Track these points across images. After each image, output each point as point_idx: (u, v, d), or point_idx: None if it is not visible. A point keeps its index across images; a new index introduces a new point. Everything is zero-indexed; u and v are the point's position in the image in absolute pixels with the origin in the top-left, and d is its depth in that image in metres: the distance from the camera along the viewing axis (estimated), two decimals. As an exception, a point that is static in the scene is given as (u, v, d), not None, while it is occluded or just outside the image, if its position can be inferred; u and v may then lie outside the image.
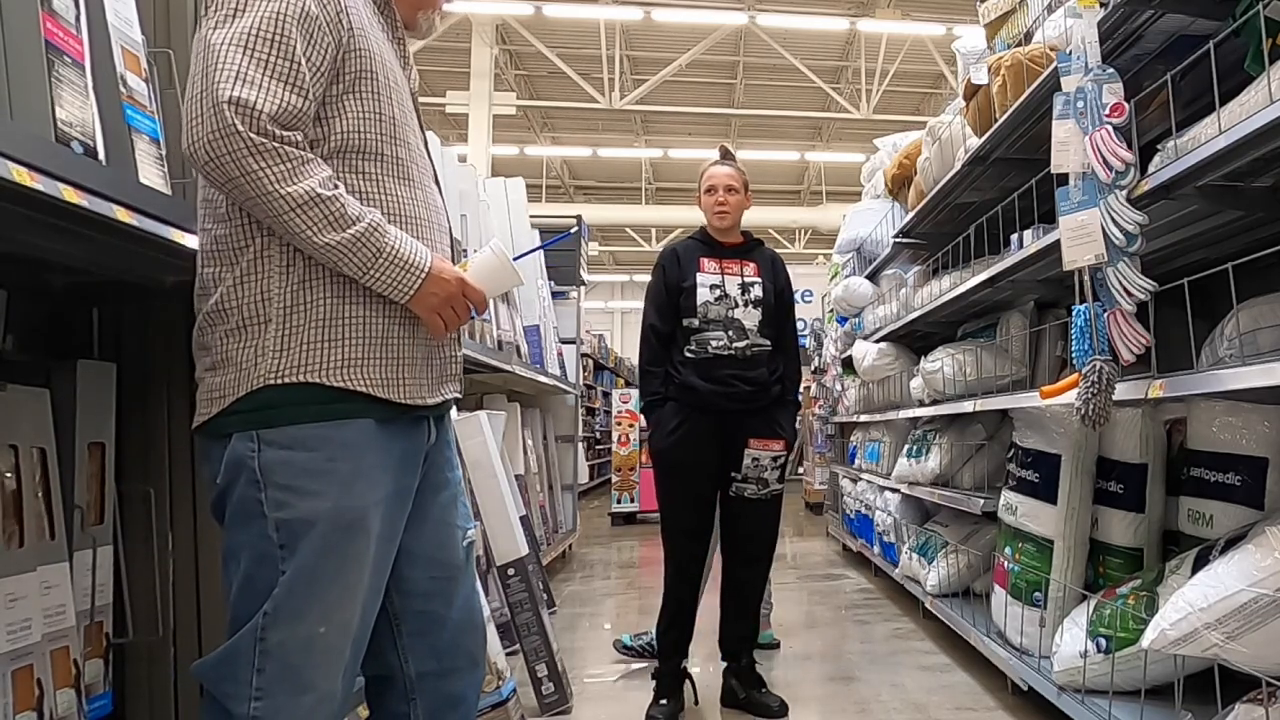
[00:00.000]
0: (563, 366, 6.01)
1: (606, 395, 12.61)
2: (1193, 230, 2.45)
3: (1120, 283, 2.03)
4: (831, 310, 6.55)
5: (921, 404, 4.01)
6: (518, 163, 14.53)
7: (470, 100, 12.04)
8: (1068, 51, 2.22)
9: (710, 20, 11.81)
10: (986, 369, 3.38)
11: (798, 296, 3.57)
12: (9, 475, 1.51)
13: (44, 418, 1.62)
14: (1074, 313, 2.17)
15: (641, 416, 7.87)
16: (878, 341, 4.98)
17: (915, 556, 4.06)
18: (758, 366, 2.80)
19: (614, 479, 8.68)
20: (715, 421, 2.76)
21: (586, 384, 10.54)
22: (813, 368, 7.46)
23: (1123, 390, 2.08)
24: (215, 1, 1.26)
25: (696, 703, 2.90)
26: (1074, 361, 2.17)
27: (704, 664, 3.18)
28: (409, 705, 1.48)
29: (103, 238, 1.36)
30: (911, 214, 4.28)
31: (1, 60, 1.21)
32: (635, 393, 8.92)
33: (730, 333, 2.78)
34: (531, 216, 5.57)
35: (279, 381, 1.28)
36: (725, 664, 2.95)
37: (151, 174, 1.48)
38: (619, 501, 8.59)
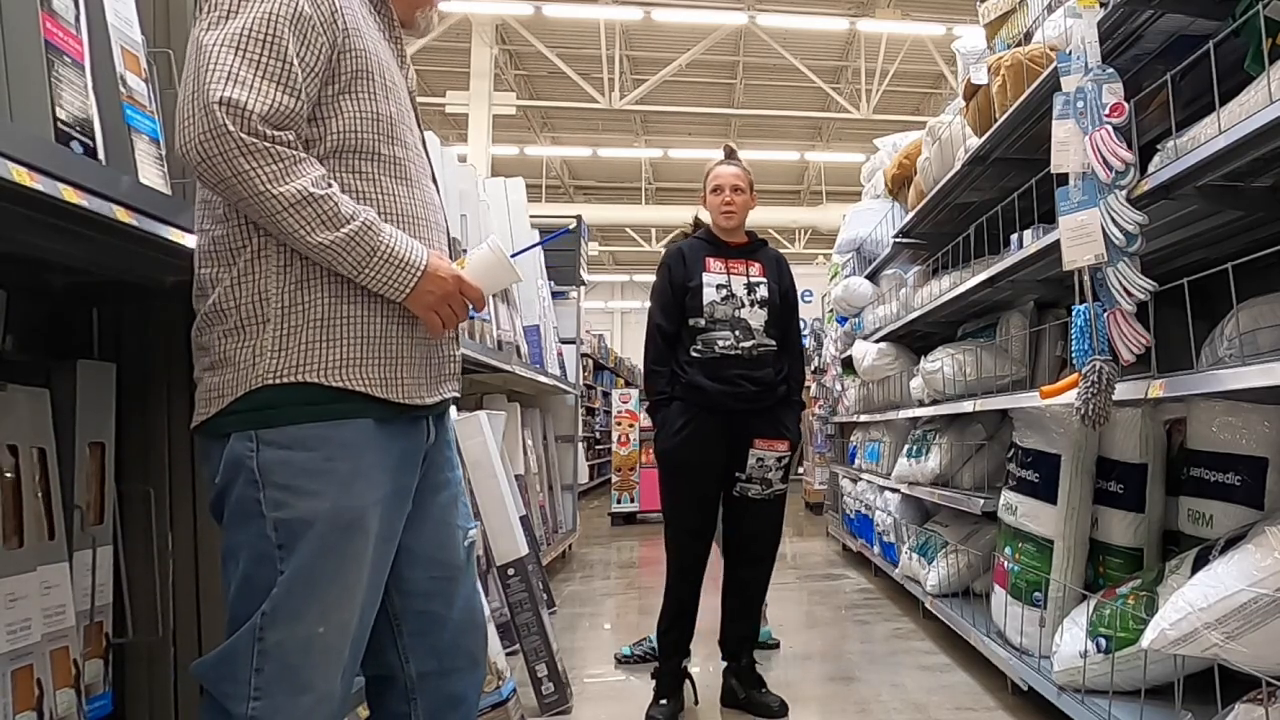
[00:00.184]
0: (563, 366, 6.00)
1: (606, 395, 12.61)
2: (1193, 230, 2.45)
3: (1120, 283, 2.03)
4: (831, 310, 6.55)
5: (921, 404, 4.01)
6: (518, 163, 14.53)
7: (470, 100, 12.04)
8: (1068, 51, 2.22)
9: (710, 20, 11.81)
10: (986, 369, 3.38)
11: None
12: (9, 475, 1.51)
13: (44, 418, 1.62)
14: (1074, 313, 2.17)
15: (642, 416, 7.90)
16: (878, 341, 4.98)
17: (915, 556, 4.06)
18: (764, 366, 2.80)
19: (614, 479, 8.68)
20: (722, 421, 2.76)
21: (586, 384, 10.54)
22: (813, 368, 7.47)
23: (1123, 390, 2.08)
24: (209, 2, 1.27)
25: (696, 702, 2.90)
26: (1074, 361, 2.17)
27: (704, 664, 3.18)
28: (409, 705, 1.48)
29: (103, 238, 1.36)
30: (911, 214, 4.28)
31: (1, 60, 1.21)
32: (635, 393, 8.92)
33: (737, 332, 2.78)
34: (531, 216, 5.57)
35: (277, 381, 1.28)
36: (725, 664, 2.95)
37: (151, 174, 1.48)
38: (619, 501, 8.60)
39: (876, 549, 4.98)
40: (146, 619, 1.78)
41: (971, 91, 3.17)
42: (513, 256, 1.52)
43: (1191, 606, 1.80)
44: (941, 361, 3.68)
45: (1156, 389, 1.96)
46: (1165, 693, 2.08)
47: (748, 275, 2.85)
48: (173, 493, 1.85)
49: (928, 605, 3.79)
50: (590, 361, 11.55)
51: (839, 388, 6.39)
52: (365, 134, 1.37)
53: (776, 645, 3.65)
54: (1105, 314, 2.09)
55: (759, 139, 15.87)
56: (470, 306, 1.45)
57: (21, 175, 1.08)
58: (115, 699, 1.76)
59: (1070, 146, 2.15)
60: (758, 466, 2.78)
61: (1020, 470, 2.88)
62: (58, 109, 1.26)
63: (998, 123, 2.86)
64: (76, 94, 1.31)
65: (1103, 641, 2.24)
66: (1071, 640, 2.37)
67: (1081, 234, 2.09)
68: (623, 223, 17.21)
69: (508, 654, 2.80)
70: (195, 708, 1.76)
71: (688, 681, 2.89)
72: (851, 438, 6.15)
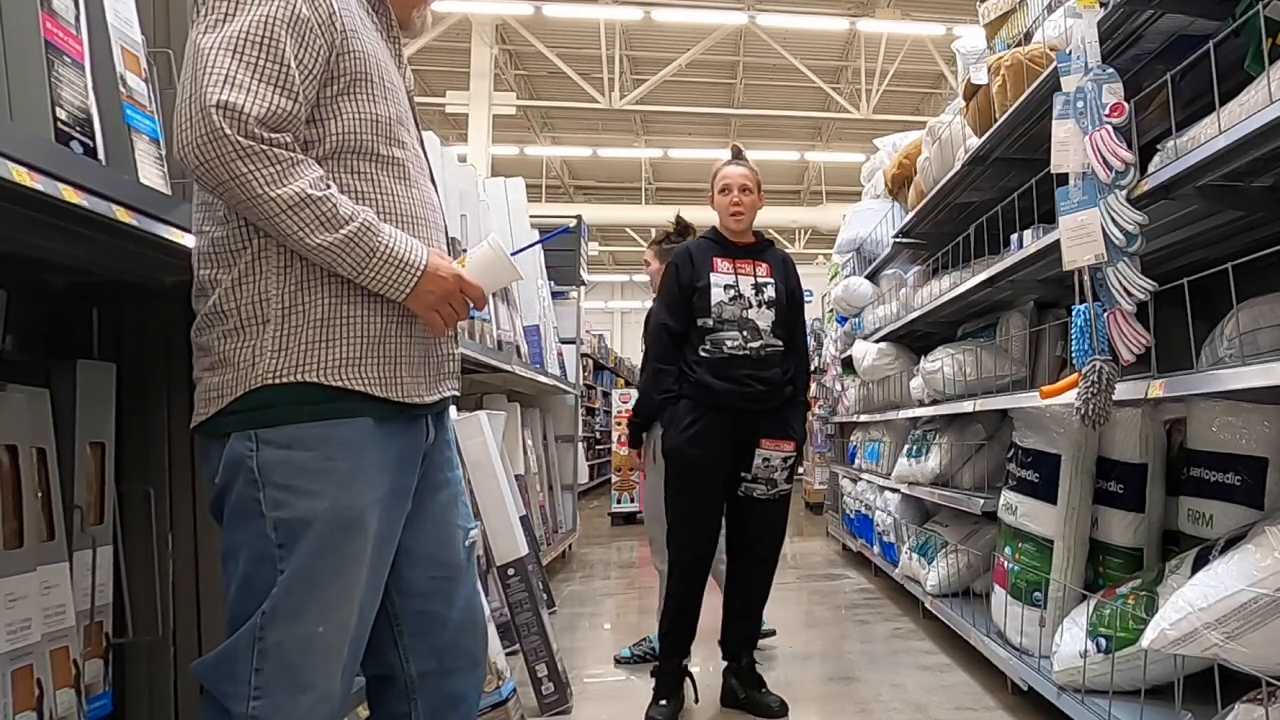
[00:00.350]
0: (563, 366, 6.01)
1: (606, 395, 12.60)
2: (1193, 230, 2.45)
3: (1120, 283, 2.03)
4: (831, 310, 6.55)
5: (921, 404, 4.01)
6: (518, 163, 14.53)
7: (470, 100, 12.04)
8: (1068, 51, 2.22)
9: (710, 20, 11.81)
10: (986, 369, 3.38)
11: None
12: (9, 475, 1.51)
13: (44, 418, 1.62)
14: (1074, 313, 2.17)
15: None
16: (878, 341, 4.98)
17: (915, 556, 4.06)
18: (771, 367, 2.80)
19: (614, 479, 8.68)
20: (731, 421, 2.76)
21: (586, 384, 10.53)
22: (813, 367, 7.47)
23: (1123, 390, 2.08)
24: (206, 5, 1.27)
25: (696, 701, 2.90)
26: (1074, 361, 2.17)
27: (704, 664, 3.18)
28: (410, 705, 1.48)
29: (103, 238, 1.36)
30: (911, 214, 4.28)
31: (1, 60, 1.21)
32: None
33: (745, 333, 2.78)
34: (531, 216, 5.57)
35: (277, 381, 1.29)
36: (725, 664, 2.95)
37: (151, 174, 1.48)
38: (619, 501, 8.60)
39: (876, 549, 4.98)
40: (146, 619, 1.78)
41: (971, 91, 3.17)
42: (512, 255, 1.52)
43: (1191, 606, 1.80)
44: (941, 361, 3.69)
45: (1156, 389, 1.96)
46: (1165, 693, 2.08)
47: (755, 276, 2.85)
48: (173, 493, 1.85)
49: (928, 605, 3.79)
50: (590, 361, 11.54)
51: (839, 388, 6.39)
52: (364, 135, 1.37)
53: (773, 633, 3.65)
54: (1105, 314, 2.09)
55: (759, 139, 15.86)
56: (471, 305, 1.45)
57: (21, 175, 1.08)
58: (115, 699, 1.76)
59: (1070, 146, 2.15)
60: (764, 466, 2.78)
61: (1020, 470, 2.88)
62: (58, 109, 1.26)
63: (998, 123, 2.86)
64: (76, 94, 1.31)
65: (1103, 641, 2.24)
66: (1071, 640, 2.37)
67: (1081, 234, 2.09)
68: (623, 223, 17.20)
69: (508, 654, 2.80)
70: (195, 708, 1.76)
71: (688, 680, 2.89)
72: (851, 438, 6.15)
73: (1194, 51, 1.98)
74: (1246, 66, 1.94)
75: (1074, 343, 2.16)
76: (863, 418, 5.55)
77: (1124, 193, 2.03)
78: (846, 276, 5.96)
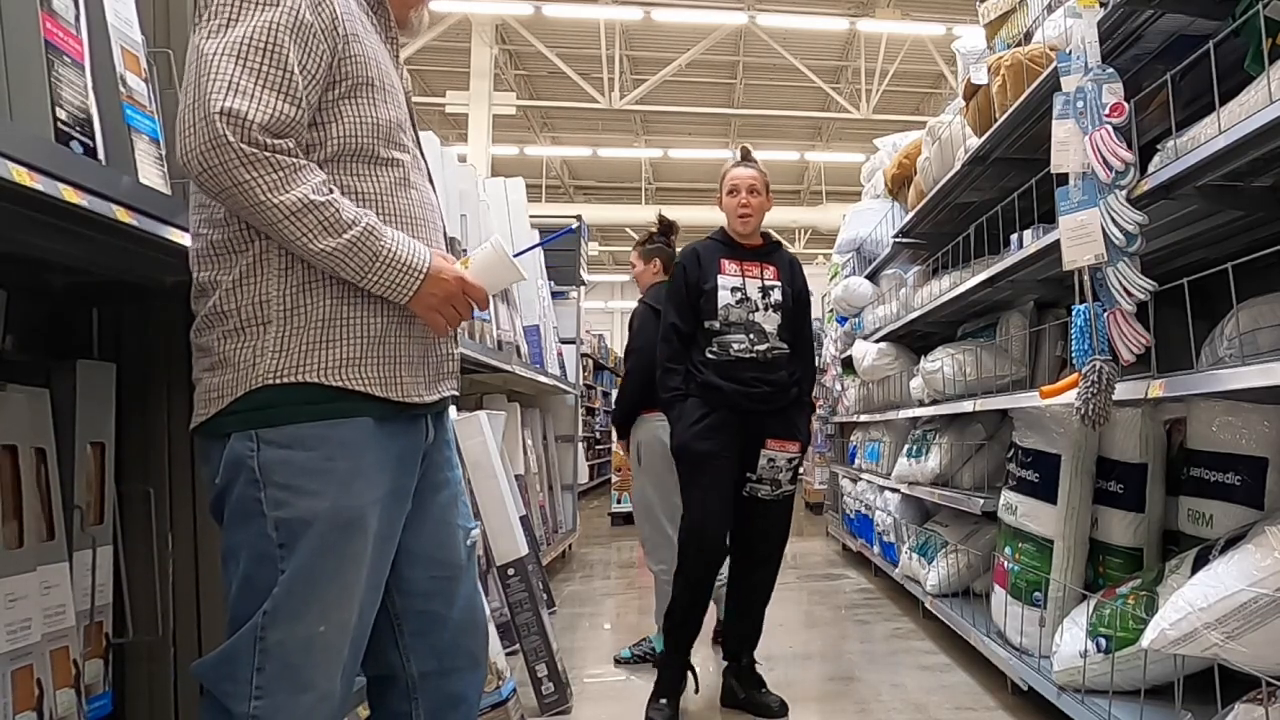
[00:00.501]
0: (563, 366, 6.01)
1: (606, 395, 12.61)
2: (1193, 230, 2.45)
3: (1120, 283, 2.03)
4: (831, 310, 6.55)
5: (921, 404, 4.01)
6: (518, 163, 14.52)
7: (470, 100, 12.03)
8: (1068, 51, 2.22)
9: (710, 20, 11.80)
10: (986, 369, 3.38)
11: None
12: (9, 475, 1.51)
13: (44, 418, 1.62)
14: (1074, 313, 2.17)
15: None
16: (878, 341, 4.98)
17: (915, 556, 4.06)
18: (778, 369, 2.80)
19: (614, 479, 8.69)
20: (738, 420, 2.76)
21: (586, 384, 10.53)
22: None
23: (1123, 390, 2.08)
24: (209, 10, 1.26)
25: (697, 691, 2.89)
26: (1074, 361, 2.17)
27: (704, 664, 3.18)
28: (410, 705, 1.48)
29: (103, 238, 1.36)
30: (911, 214, 4.28)
31: (1, 60, 1.21)
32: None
33: (751, 335, 2.78)
34: (531, 216, 5.57)
35: (277, 381, 1.29)
36: (725, 664, 2.95)
37: (151, 174, 1.48)
38: (619, 501, 8.59)
39: (876, 549, 4.98)
40: (146, 619, 1.78)
41: (971, 91, 3.17)
42: (515, 256, 1.52)
43: (1191, 606, 1.80)
44: (941, 361, 3.69)
45: (1156, 389, 1.96)
46: (1165, 692, 2.08)
47: (762, 278, 2.85)
48: (173, 493, 1.85)
49: (928, 605, 3.79)
50: (590, 361, 11.54)
51: (839, 388, 6.39)
52: (365, 138, 1.37)
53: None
54: (1105, 314, 2.09)
55: (759, 139, 15.84)
56: (474, 306, 1.45)
57: (21, 175, 1.08)
58: (115, 699, 1.76)
59: (1070, 146, 2.15)
60: (769, 467, 2.78)
61: (1020, 470, 2.88)
62: (58, 109, 1.26)
63: (998, 123, 2.86)
64: (76, 94, 1.31)
65: (1103, 641, 2.24)
66: (1071, 640, 2.37)
67: (1081, 234, 2.10)
68: (623, 223, 17.17)
69: (508, 654, 2.80)
70: (195, 708, 1.76)
71: (690, 674, 2.88)
72: (851, 438, 6.15)
73: (1194, 51, 1.98)
74: (1246, 66, 1.94)
75: (1074, 343, 2.16)
76: (863, 418, 5.55)
77: (1124, 193, 2.03)
78: (846, 276, 5.96)
